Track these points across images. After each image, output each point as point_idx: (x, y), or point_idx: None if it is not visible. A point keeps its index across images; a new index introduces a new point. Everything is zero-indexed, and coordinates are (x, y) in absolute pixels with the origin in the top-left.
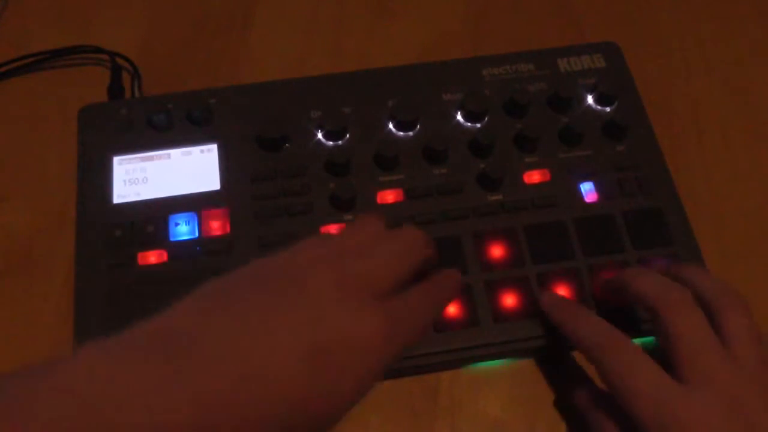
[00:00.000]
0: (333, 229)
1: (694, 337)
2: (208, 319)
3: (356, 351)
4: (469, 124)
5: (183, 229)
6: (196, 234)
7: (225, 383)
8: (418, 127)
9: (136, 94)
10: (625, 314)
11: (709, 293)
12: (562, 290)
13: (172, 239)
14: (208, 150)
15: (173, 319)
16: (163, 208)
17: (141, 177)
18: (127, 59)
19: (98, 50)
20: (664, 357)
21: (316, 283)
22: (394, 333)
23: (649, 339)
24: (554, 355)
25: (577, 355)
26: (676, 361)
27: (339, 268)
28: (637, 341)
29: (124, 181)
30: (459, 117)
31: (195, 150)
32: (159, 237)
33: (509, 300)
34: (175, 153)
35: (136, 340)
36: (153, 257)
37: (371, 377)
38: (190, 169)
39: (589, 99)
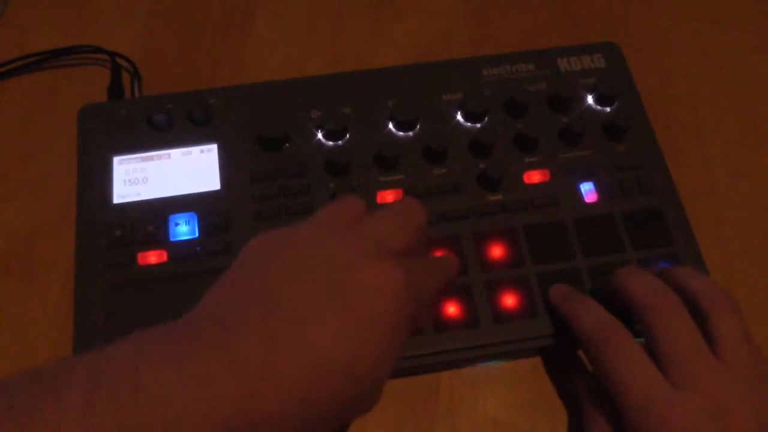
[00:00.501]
0: None
1: (681, 342)
2: (225, 303)
3: (376, 296)
4: (469, 124)
5: (183, 229)
6: (196, 234)
7: (252, 351)
8: (418, 127)
9: (136, 94)
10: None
11: (699, 294)
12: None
13: (172, 239)
14: (208, 150)
15: (195, 314)
16: (163, 208)
17: (141, 177)
18: (127, 59)
19: (98, 50)
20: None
21: (325, 252)
22: (410, 280)
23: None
24: (559, 354)
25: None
26: (663, 365)
27: (343, 237)
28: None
29: (124, 181)
30: (459, 117)
31: (195, 150)
32: (159, 237)
33: (509, 300)
34: (175, 153)
35: (164, 333)
36: (153, 257)
37: (393, 319)
38: (190, 169)
39: (589, 99)
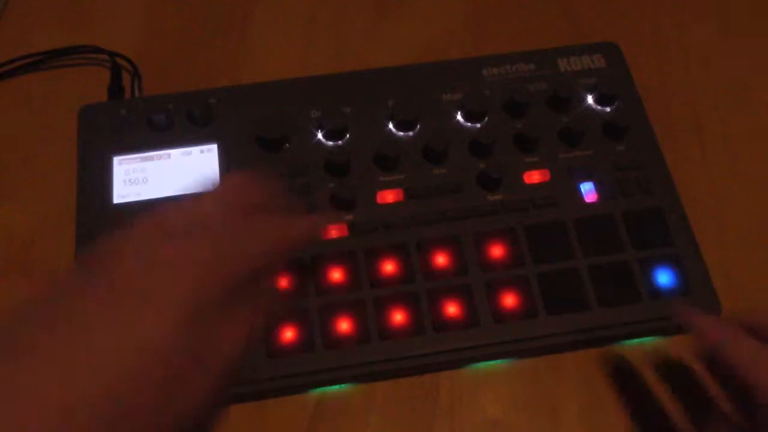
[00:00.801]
0: (333, 229)
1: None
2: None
3: (171, 276)
4: (469, 124)
5: None
6: None
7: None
8: (418, 127)
9: (136, 94)
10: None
11: (760, 322)
12: (563, 290)
13: None
14: (208, 150)
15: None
16: None
17: (141, 177)
18: (127, 59)
19: (98, 50)
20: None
21: (140, 223)
22: (218, 254)
23: (648, 338)
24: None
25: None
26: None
27: (163, 209)
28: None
29: (124, 181)
30: (459, 117)
31: (195, 150)
32: None
33: (509, 300)
34: (175, 153)
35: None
36: None
37: (195, 300)
38: (190, 169)
39: (589, 99)
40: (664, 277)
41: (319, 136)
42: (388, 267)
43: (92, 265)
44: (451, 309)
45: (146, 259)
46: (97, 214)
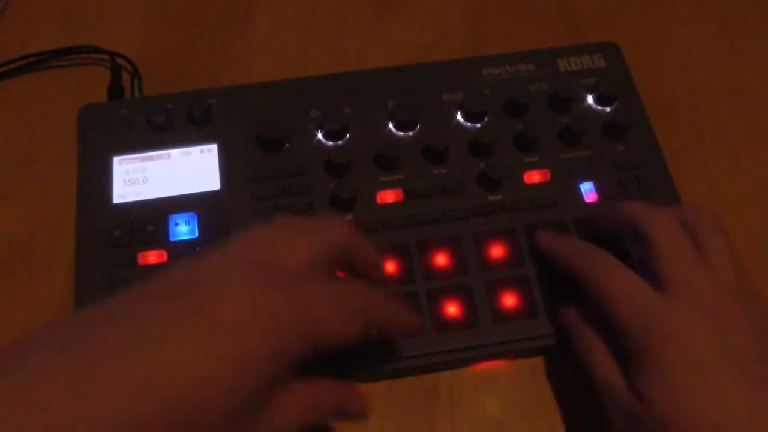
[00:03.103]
0: None
1: (677, 248)
2: (108, 324)
3: (243, 331)
4: (469, 124)
5: (183, 229)
6: (196, 234)
7: (132, 376)
8: (418, 127)
9: (136, 94)
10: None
11: (690, 215)
12: (563, 290)
13: (172, 239)
14: (208, 150)
15: (71, 321)
16: (163, 208)
17: (141, 177)
18: (127, 59)
19: (98, 50)
20: (647, 274)
21: (212, 258)
22: (296, 315)
23: None
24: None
25: None
26: (658, 272)
27: (241, 251)
28: None
29: (124, 181)
30: (459, 117)
31: (195, 150)
32: (159, 237)
33: (509, 300)
34: (175, 153)
35: (40, 340)
36: (153, 257)
37: (260, 354)
38: (190, 169)
39: (589, 99)
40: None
41: (319, 136)
42: (388, 267)
43: (173, 287)
44: (451, 309)
45: (223, 295)
46: (97, 214)
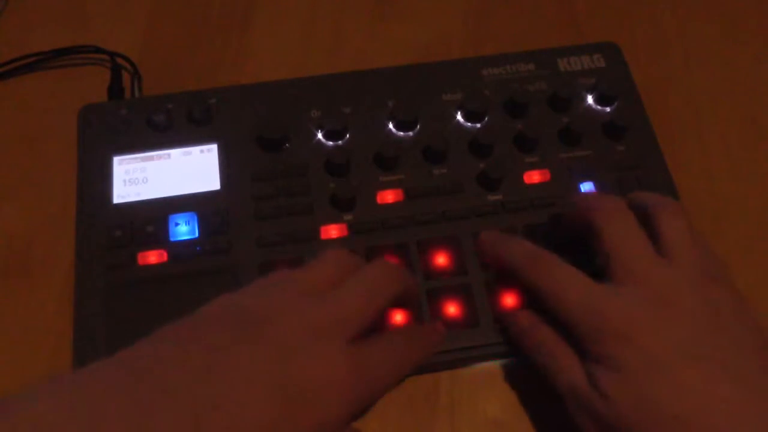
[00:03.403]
0: (333, 229)
1: (623, 238)
2: (169, 352)
3: (320, 397)
4: (469, 124)
5: (183, 229)
6: (196, 234)
7: (179, 411)
8: (418, 127)
9: (136, 94)
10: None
11: (645, 201)
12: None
13: (172, 239)
14: (208, 150)
15: (137, 351)
16: (163, 208)
17: (141, 177)
18: (127, 59)
19: (98, 50)
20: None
21: (283, 328)
22: (360, 380)
23: None
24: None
25: None
26: (607, 264)
27: (306, 313)
28: None
29: (124, 181)
30: (459, 117)
31: (195, 150)
32: (159, 237)
33: (509, 300)
34: (175, 153)
35: (102, 370)
36: (153, 257)
37: (333, 423)
38: (190, 169)
39: (589, 99)
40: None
41: (319, 136)
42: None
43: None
44: (451, 309)
45: (311, 359)
46: (97, 214)
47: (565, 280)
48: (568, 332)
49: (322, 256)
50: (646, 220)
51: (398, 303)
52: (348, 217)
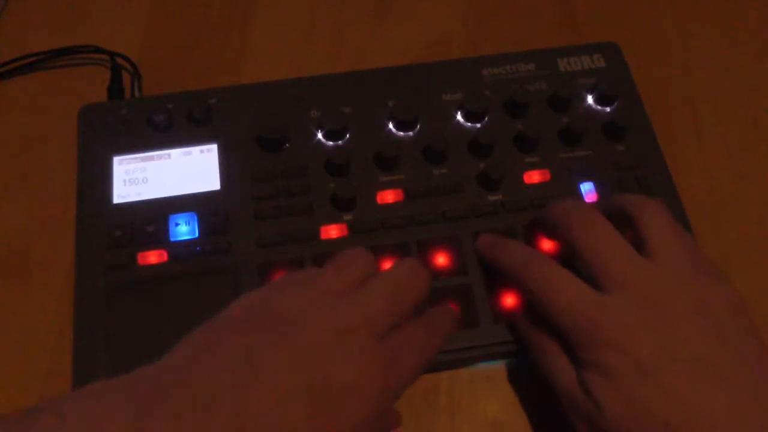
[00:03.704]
0: (333, 229)
1: (602, 247)
2: (200, 361)
3: (352, 397)
4: (469, 124)
5: (183, 229)
6: (196, 234)
7: (223, 422)
8: (418, 127)
9: (136, 94)
10: None
11: (624, 204)
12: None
13: (172, 239)
14: (208, 150)
15: (165, 363)
16: (163, 208)
17: (141, 177)
18: (127, 59)
19: (98, 50)
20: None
21: (313, 329)
22: (389, 377)
23: None
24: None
25: None
26: (592, 274)
27: (334, 314)
28: None
29: (124, 181)
30: (459, 117)
31: (195, 150)
32: (159, 237)
33: (509, 300)
34: (175, 153)
35: (127, 385)
36: (153, 257)
37: (366, 422)
38: (190, 169)
39: (589, 99)
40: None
41: (319, 136)
42: (388, 267)
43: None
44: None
45: (343, 362)
46: (97, 214)
47: (557, 284)
48: (561, 336)
49: (345, 255)
50: (628, 222)
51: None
52: (348, 217)
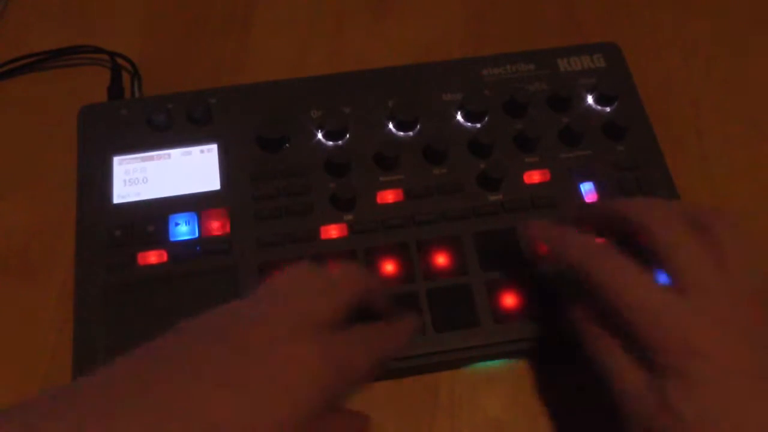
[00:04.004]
0: (333, 229)
1: (686, 246)
2: (151, 370)
3: (292, 382)
4: (469, 124)
5: (183, 229)
6: (196, 234)
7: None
8: (418, 127)
9: (136, 94)
10: None
11: (701, 210)
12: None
13: (172, 239)
14: (208, 150)
15: (112, 373)
16: (163, 208)
17: (141, 177)
18: (127, 59)
19: (98, 50)
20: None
21: (247, 328)
22: (329, 365)
23: None
24: (555, 355)
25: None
26: (669, 272)
27: (268, 312)
28: None
29: (124, 181)
30: (459, 117)
31: (195, 150)
32: (159, 237)
33: (509, 300)
34: (175, 153)
35: (79, 393)
36: (153, 257)
37: (307, 407)
38: (190, 169)
39: (589, 99)
40: (663, 277)
41: (319, 136)
42: (388, 267)
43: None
44: (452, 309)
45: (278, 353)
46: (97, 214)
47: (628, 278)
48: (627, 334)
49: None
50: (698, 227)
51: (367, 307)
52: (348, 217)
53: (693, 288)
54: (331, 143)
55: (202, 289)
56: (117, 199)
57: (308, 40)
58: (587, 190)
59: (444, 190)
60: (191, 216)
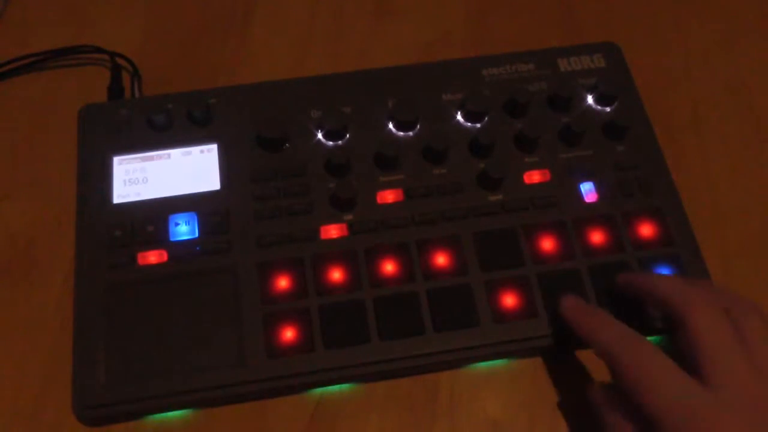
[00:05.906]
0: (333, 229)
1: (717, 334)
2: None
3: None
4: (469, 124)
5: (183, 229)
6: (196, 234)
7: None
8: (418, 127)
9: (136, 94)
10: (635, 312)
11: (727, 297)
12: (563, 289)
13: (172, 239)
14: (208, 150)
15: None
16: (163, 208)
17: (141, 177)
18: (127, 59)
19: (98, 50)
20: (682, 356)
21: None
22: None
23: (656, 338)
24: (556, 353)
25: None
26: (697, 360)
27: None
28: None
29: (124, 181)
30: (459, 117)
31: (195, 150)
32: (159, 237)
33: (509, 300)
34: (175, 153)
35: None
36: (153, 257)
37: None
38: (190, 169)
39: (589, 99)
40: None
41: (319, 136)
42: (388, 267)
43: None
44: (452, 309)
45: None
46: (97, 214)
47: (660, 373)
48: (651, 427)
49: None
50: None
51: None
52: (348, 217)
53: (719, 379)
54: (331, 143)
55: (202, 289)
56: (117, 199)
57: (308, 40)
58: (587, 190)
59: (444, 190)
60: (191, 216)
